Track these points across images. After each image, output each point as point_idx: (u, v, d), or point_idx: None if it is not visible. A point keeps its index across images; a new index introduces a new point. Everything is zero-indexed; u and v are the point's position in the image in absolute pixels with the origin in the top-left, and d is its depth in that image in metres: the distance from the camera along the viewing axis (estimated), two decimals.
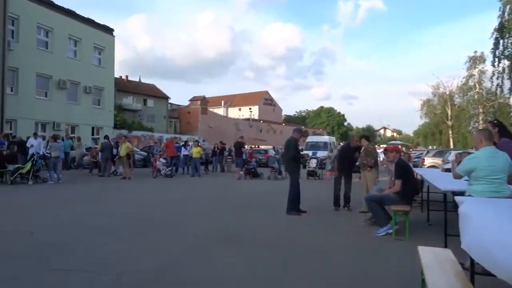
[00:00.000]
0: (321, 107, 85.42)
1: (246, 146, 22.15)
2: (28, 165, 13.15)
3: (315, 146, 22.82)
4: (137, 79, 52.79)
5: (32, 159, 13.30)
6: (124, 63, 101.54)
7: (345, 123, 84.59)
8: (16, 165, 13.29)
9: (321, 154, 19.79)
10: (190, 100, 55.21)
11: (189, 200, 9.58)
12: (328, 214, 7.84)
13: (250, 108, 66.93)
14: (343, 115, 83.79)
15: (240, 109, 73.38)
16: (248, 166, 17.07)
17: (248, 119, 60.60)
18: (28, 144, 16.65)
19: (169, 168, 16.90)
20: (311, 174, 16.00)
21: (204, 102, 52.26)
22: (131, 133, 35.48)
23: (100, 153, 17.27)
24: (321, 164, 16.66)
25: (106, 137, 18.78)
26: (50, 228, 6.06)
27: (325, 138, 25.86)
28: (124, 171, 15.99)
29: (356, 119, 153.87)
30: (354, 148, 8.16)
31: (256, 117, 66.32)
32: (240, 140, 18.25)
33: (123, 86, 45.28)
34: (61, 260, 4.59)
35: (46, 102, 25.82)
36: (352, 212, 8.05)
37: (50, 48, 25.68)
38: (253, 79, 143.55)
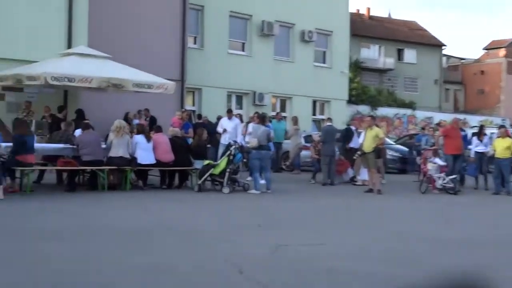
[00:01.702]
0: None
1: None
2: (223, 163, 15.06)
3: None
4: (385, 15, 53.98)
5: (228, 152, 15.30)
6: None
7: None
8: (206, 162, 15.50)
9: None
10: (485, 49, 53.25)
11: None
12: None
13: None
14: None
15: None
16: None
17: None
18: (219, 128, 19.40)
19: (452, 177, 16.72)
20: None
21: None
22: (375, 110, 36.85)
23: (322, 145, 18.63)
24: None
25: (329, 119, 19.95)
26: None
27: None
28: (370, 177, 16.68)
29: None
30: None
31: None
32: None
33: (362, 28, 47.20)
34: None
35: (243, 59, 29.51)
36: None
37: None
38: None
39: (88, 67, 17.42)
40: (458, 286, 2.54)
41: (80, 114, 19.09)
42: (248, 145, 15.62)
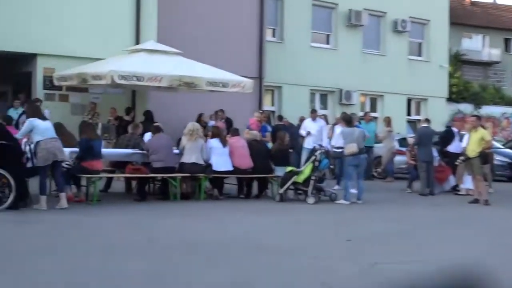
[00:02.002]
0: None
1: None
2: (307, 169, 14.95)
3: None
4: (489, 0, 52.49)
5: (313, 158, 15.18)
6: None
7: None
8: (288, 168, 15.42)
9: None
10: None
11: None
12: None
13: None
14: None
15: None
16: None
17: None
18: (302, 131, 19.33)
19: None
20: None
21: None
22: (479, 109, 35.95)
23: (417, 149, 18.33)
24: None
25: (426, 120, 19.58)
26: None
27: None
28: (476, 186, 16.24)
29: None
30: None
31: None
32: None
33: (463, 16, 46.14)
34: None
35: (327, 53, 29.39)
36: None
37: None
38: None
39: (158, 64, 17.74)
40: (458, 286, 2.59)
41: (148, 116, 19.46)
42: (346, 152, 15.32)
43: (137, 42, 20.33)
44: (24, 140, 12.79)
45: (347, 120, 16.26)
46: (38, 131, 12.24)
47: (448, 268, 2.67)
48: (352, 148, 15.15)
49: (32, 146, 12.47)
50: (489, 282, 2.55)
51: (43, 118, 12.76)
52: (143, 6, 20.77)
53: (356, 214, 13.75)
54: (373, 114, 27.54)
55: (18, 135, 12.70)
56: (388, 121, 22.41)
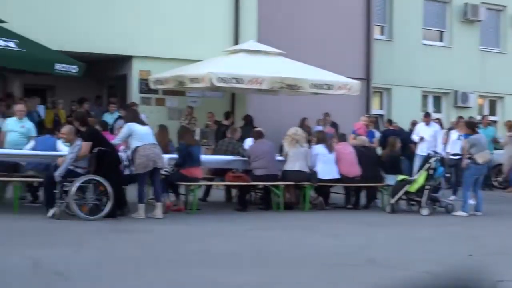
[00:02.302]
0: None
1: None
2: (421, 178, 14.72)
3: None
4: None
5: (427, 165, 14.85)
6: None
7: None
8: (400, 177, 15.19)
9: None
10: None
11: None
12: None
13: None
14: None
15: None
16: None
17: None
18: (414, 136, 19.08)
19: None
20: None
21: None
22: None
23: None
24: None
25: None
26: None
27: None
28: None
29: None
30: None
31: None
32: None
33: None
34: None
35: (441, 52, 28.88)
36: None
37: None
38: None
39: (259, 65, 17.92)
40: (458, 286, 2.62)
41: (248, 120, 19.63)
42: (479, 161, 14.96)
43: (236, 42, 20.58)
44: (121, 147, 13.13)
45: (471, 127, 15.81)
46: (136, 136, 12.55)
47: (449, 269, 2.73)
48: (485, 156, 14.87)
49: (129, 152, 12.82)
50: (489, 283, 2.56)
51: (142, 123, 13.08)
52: (242, 4, 21.00)
53: (476, 227, 13.45)
54: (492, 118, 26.90)
55: (116, 140, 13.01)
56: (509, 126, 21.89)
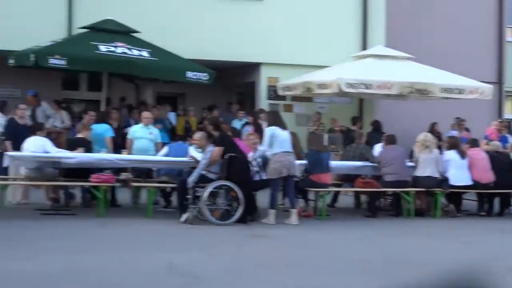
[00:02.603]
0: None
1: None
2: None
3: None
4: None
5: None
6: None
7: None
8: None
9: None
10: None
11: None
12: None
13: None
14: None
15: None
16: None
17: None
18: None
19: None
20: None
21: None
22: None
23: None
24: None
25: None
26: None
27: None
28: None
29: None
30: None
31: None
32: None
33: None
34: None
35: None
36: None
37: None
38: None
39: (387, 70, 17.71)
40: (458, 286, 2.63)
41: (377, 126, 19.38)
42: None
43: (364, 47, 20.41)
44: (251, 153, 13.23)
45: None
46: (277, 142, 12.62)
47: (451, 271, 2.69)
48: None
49: (259, 160, 12.91)
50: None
51: (284, 126, 13.12)
52: (369, 9, 20.84)
53: None
54: None
55: (263, 146, 12.98)
56: None
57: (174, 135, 16.82)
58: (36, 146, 13.03)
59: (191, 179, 11.90)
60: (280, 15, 20.25)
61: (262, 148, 12.97)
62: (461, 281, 2.64)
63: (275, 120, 13.28)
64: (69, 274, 7.66)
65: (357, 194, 15.57)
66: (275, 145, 12.58)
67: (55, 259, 8.56)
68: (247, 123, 18.39)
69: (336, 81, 17.00)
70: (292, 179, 12.85)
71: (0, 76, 19.42)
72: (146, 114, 15.06)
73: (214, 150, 12.15)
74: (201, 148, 12.45)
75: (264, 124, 17.92)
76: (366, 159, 14.63)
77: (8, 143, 14.59)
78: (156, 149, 14.47)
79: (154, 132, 14.77)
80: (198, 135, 12.77)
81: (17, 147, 13.70)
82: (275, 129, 12.73)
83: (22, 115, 15.38)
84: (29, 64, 16.15)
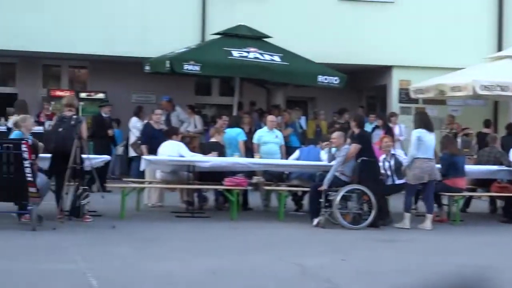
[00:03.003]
0: None
1: None
2: None
3: None
4: None
5: None
6: None
7: None
8: None
9: None
10: None
11: None
12: None
13: None
14: None
15: None
16: None
17: None
18: None
19: None
20: None
21: None
22: None
23: None
24: None
25: None
26: None
27: None
28: None
29: None
30: None
31: None
32: None
33: None
34: None
35: None
36: None
37: None
38: None
39: None
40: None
41: (511, 129, 18.71)
42: None
43: (500, 48, 19.78)
44: (383, 156, 13.07)
45: None
46: (422, 146, 12.37)
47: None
48: None
49: (392, 162, 12.75)
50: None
51: (431, 128, 12.85)
52: (505, 8, 20.19)
53: None
54: None
55: (411, 151, 12.60)
56: None
57: (305, 139, 16.86)
58: (172, 150, 13.35)
59: (326, 180, 11.91)
60: (411, 17, 20.04)
61: (410, 153, 12.55)
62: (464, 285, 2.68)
63: (423, 121, 12.92)
64: (212, 276, 7.80)
65: (492, 199, 15.06)
66: (418, 150, 12.29)
67: (197, 261, 8.73)
68: (377, 127, 18.16)
69: (471, 84, 16.56)
70: (433, 183, 12.55)
71: (136, 83, 20.16)
72: (271, 118, 15.19)
73: (351, 147, 12.14)
74: (337, 147, 12.44)
75: (394, 127, 17.81)
76: (501, 163, 14.14)
77: (144, 147, 14.91)
78: (280, 152, 14.60)
79: (279, 136, 14.91)
80: (336, 134, 12.88)
81: (152, 151, 14.06)
82: (422, 133, 12.45)
83: (158, 120, 15.72)
84: (165, 70, 16.64)
